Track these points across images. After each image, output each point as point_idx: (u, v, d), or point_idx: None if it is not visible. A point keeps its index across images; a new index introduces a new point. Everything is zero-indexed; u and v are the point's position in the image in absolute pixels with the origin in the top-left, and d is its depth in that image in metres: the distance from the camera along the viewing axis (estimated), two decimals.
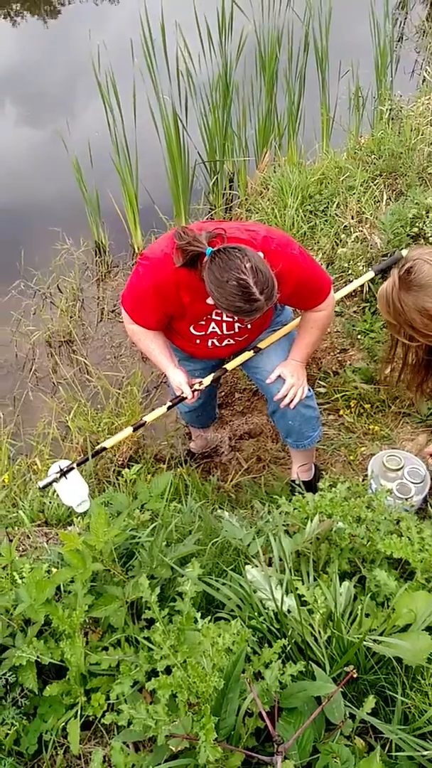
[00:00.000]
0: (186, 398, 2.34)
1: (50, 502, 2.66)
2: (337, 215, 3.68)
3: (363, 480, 2.50)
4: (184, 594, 1.37)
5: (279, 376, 2.40)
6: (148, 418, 2.53)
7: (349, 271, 3.33)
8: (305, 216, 3.79)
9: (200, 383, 2.38)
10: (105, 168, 4.25)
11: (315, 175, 3.97)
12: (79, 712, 1.37)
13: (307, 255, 2.18)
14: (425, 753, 1.11)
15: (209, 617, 1.37)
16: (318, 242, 3.64)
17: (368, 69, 4.76)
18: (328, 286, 2.27)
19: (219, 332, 2.27)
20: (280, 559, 1.55)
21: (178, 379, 2.32)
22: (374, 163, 3.86)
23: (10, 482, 2.86)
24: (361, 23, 4.87)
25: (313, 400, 2.53)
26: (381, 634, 1.33)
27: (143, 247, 4.36)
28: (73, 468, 2.37)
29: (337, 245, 3.56)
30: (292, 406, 2.41)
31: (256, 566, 1.52)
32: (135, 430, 2.54)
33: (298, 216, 3.75)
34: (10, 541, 2.07)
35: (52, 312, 4.01)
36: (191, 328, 2.25)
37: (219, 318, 2.21)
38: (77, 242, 4.27)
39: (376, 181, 3.76)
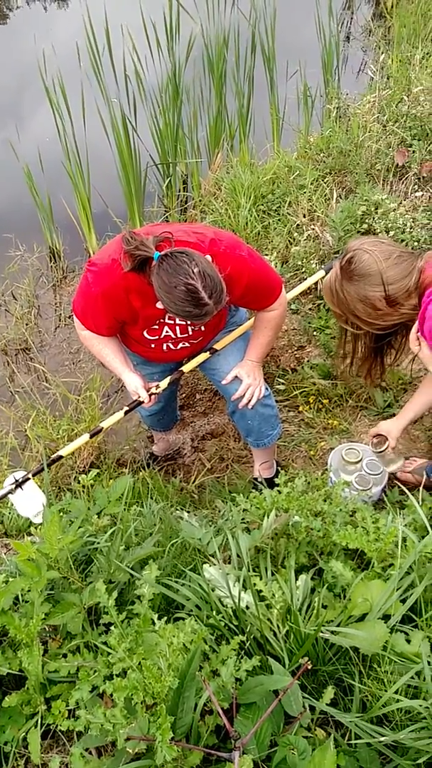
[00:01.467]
0: (143, 402, 2.33)
1: (9, 513, 2.63)
2: (289, 214, 3.70)
3: (323, 474, 2.53)
4: (142, 597, 1.36)
5: (236, 377, 2.41)
6: (105, 423, 2.51)
7: (303, 269, 3.36)
8: (258, 216, 3.81)
9: (157, 387, 2.37)
10: (57, 173, 4.22)
11: (267, 175, 4.00)
12: (39, 721, 1.35)
13: (257, 256, 2.19)
14: (382, 739, 1.12)
15: (168, 618, 1.37)
16: (272, 241, 3.67)
17: (316, 69, 4.81)
18: (278, 286, 2.28)
19: (173, 335, 2.26)
20: (238, 556, 1.55)
21: (134, 383, 2.31)
22: (324, 162, 3.90)
23: None
24: (307, 24, 4.93)
25: (271, 399, 2.54)
26: (338, 625, 1.34)
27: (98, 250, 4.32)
28: (28, 479, 2.34)
29: (291, 244, 3.59)
30: (250, 405, 2.42)
31: (214, 565, 1.52)
32: (92, 436, 2.52)
33: (251, 216, 3.77)
34: None
35: (7, 320, 3.95)
36: (144, 333, 2.24)
37: (172, 322, 2.20)
38: (31, 248, 4.23)
39: (326, 179, 3.80)
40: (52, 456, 2.54)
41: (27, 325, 3.91)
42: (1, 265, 4.10)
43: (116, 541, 1.65)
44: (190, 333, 2.27)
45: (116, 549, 1.62)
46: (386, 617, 1.34)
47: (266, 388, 2.51)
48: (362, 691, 1.25)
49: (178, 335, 2.26)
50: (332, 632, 1.31)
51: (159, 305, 2.00)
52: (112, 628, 1.26)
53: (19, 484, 2.30)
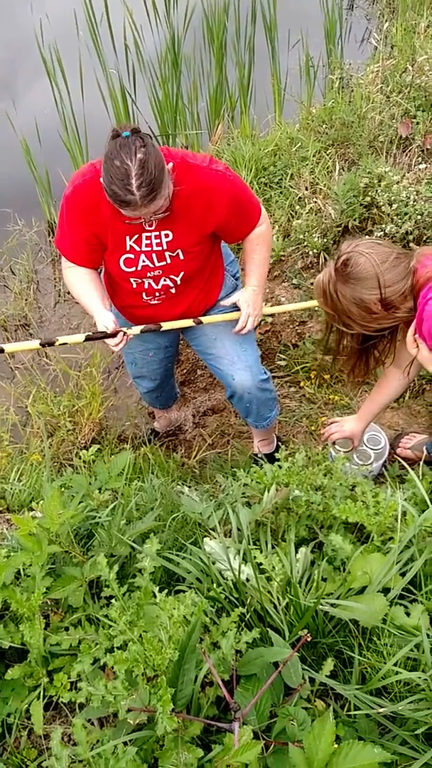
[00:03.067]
0: (110, 337, 2.15)
1: (11, 488, 2.64)
2: (291, 187, 3.66)
3: (323, 449, 2.53)
4: (143, 570, 1.37)
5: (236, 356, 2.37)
6: (62, 339, 2.30)
7: (305, 243, 3.33)
8: (260, 188, 3.76)
9: (124, 333, 2.20)
10: (55, 146, 4.16)
11: (268, 146, 3.94)
12: (42, 693, 1.36)
13: (234, 173, 2.12)
14: (380, 710, 1.13)
15: (168, 591, 1.37)
16: (273, 214, 3.63)
17: (318, 38, 4.71)
18: (257, 202, 2.23)
19: (150, 264, 2.14)
20: (239, 530, 1.56)
21: (103, 321, 2.14)
22: (326, 133, 3.84)
23: None
24: None
25: (269, 383, 2.50)
26: (338, 598, 1.34)
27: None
28: None
29: (293, 217, 3.55)
30: (244, 331, 2.32)
31: (215, 538, 1.52)
32: (43, 345, 2.31)
33: (252, 188, 3.72)
34: None
35: (6, 295, 3.93)
36: (122, 264, 2.13)
37: (149, 249, 2.10)
38: (29, 223, 4.18)
39: (329, 151, 3.74)
40: None
41: (26, 300, 3.89)
42: (0, 240, 4.06)
43: (117, 515, 1.65)
44: (168, 261, 2.14)
45: (117, 523, 1.62)
46: (386, 590, 1.35)
47: (265, 372, 2.47)
48: (362, 664, 1.26)
49: (156, 263, 2.14)
50: (332, 605, 1.32)
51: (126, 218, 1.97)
52: (113, 600, 1.27)
53: None
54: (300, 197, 3.58)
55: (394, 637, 1.24)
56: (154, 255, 2.11)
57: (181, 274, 2.19)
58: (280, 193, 3.72)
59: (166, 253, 2.11)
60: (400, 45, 4.31)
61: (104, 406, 3.25)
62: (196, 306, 2.35)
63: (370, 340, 2.02)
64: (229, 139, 4.28)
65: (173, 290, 2.25)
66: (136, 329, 2.28)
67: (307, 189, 3.60)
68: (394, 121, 3.68)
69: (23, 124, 4.19)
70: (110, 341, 2.17)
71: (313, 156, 3.71)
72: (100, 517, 1.71)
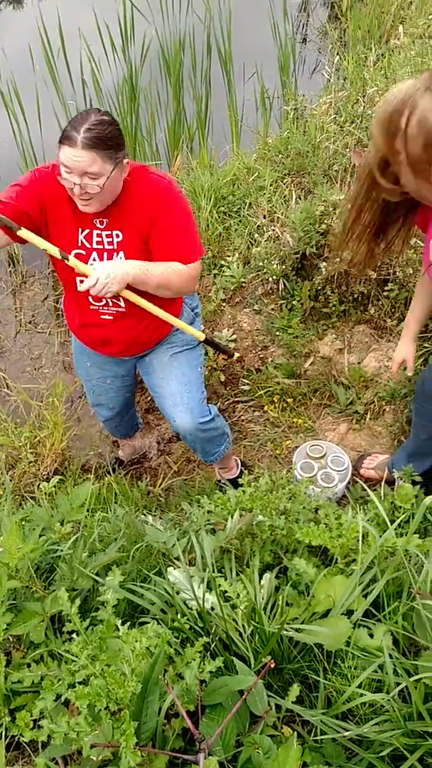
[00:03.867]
0: None
1: None
2: (249, 215, 3.72)
3: (287, 472, 2.55)
4: (106, 603, 1.35)
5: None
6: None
7: (264, 270, 3.37)
8: (219, 217, 3.81)
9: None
10: (13, 178, 4.15)
11: (226, 176, 4.00)
12: (3, 733, 1.32)
13: (187, 204, 2.11)
14: (346, 734, 1.13)
15: (132, 623, 1.36)
16: (233, 243, 3.67)
17: (272, 70, 4.84)
18: (196, 245, 2.14)
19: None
20: (203, 558, 1.55)
21: None
22: (282, 163, 3.92)
23: None
24: (262, 26, 4.96)
25: (213, 422, 2.46)
26: (303, 622, 1.34)
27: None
28: None
29: (252, 245, 3.60)
30: (81, 288, 2.04)
31: (178, 567, 1.51)
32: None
33: (212, 217, 3.77)
34: None
35: None
36: (72, 256, 2.07)
37: (100, 247, 2.09)
38: None
39: (285, 180, 3.82)
40: None
41: None
42: None
43: (79, 548, 1.63)
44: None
45: (79, 556, 1.60)
46: (349, 613, 1.35)
47: (208, 413, 2.44)
48: (327, 687, 1.26)
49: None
50: (296, 630, 1.32)
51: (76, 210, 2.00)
52: (74, 635, 1.24)
53: None
54: (258, 225, 3.64)
55: (358, 659, 1.24)
56: (105, 254, 2.11)
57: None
58: (239, 221, 3.77)
59: (114, 254, 2.10)
60: (352, 77, 4.45)
61: (67, 436, 3.22)
62: (150, 333, 2.33)
63: (387, 220, 1.79)
64: (188, 169, 4.34)
65: (122, 306, 2.21)
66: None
67: (265, 217, 3.66)
68: (347, 150, 3.78)
69: None
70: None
71: (271, 185, 3.78)
72: (61, 550, 1.68)
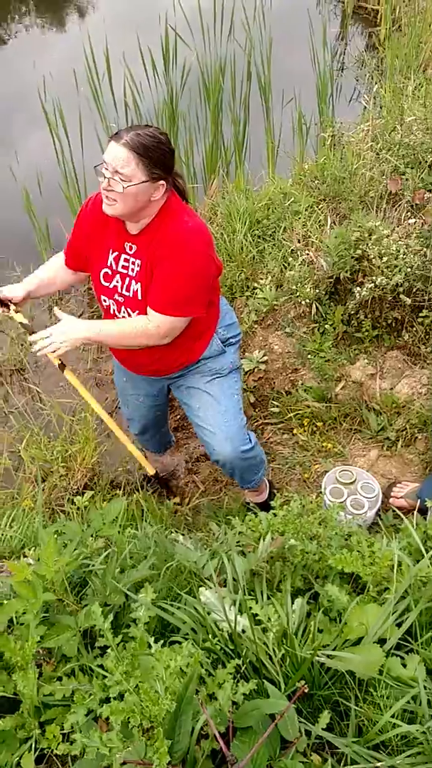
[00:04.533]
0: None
1: (2, 534, 2.62)
2: (284, 239, 3.75)
3: (317, 497, 2.54)
4: (138, 620, 1.36)
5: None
6: None
7: (297, 293, 3.40)
8: (254, 240, 3.86)
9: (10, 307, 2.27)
10: (54, 197, 4.26)
11: (262, 200, 4.05)
12: (33, 746, 1.34)
13: (203, 267, 2.08)
14: (378, 765, 1.12)
15: (164, 641, 1.36)
16: (266, 266, 3.71)
17: (310, 97, 4.91)
18: (181, 307, 2.10)
19: (119, 288, 2.16)
20: (234, 580, 1.55)
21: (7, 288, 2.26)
22: (318, 188, 3.96)
23: None
24: (302, 53, 5.04)
25: (252, 451, 2.47)
26: (334, 649, 1.34)
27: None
28: None
29: (285, 268, 3.63)
30: (35, 348, 2.16)
31: (210, 588, 1.52)
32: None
33: (246, 241, 3.82)
34: None
35: (2, 341, 3.97)
36: (101, 275, 2.18)
37: (124, 271, 2.14)
38: (27, 270, 4.19)
39: (321, 205, 3.85)
40: None
41: (22, 346, 3.92)
42: None
43: (112, 563, 1.65)
44: (131, 294, 2.14)
45: (112, 572, 1.62)
46: (382, 641, 1.35)
47: (248, 440, 2.45)
48: (358, 716, 1.26)
49: (123, 289, 2.16)
50: (328, 656, 1.31)
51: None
52: (108, 650, 1.26)
53: None
54: (293, 249, 3.67)
55: (390, 688, 1.24)
56: (126, 279, 2.15)
57: (135, 314, 2.18)
58: (273, 245, 3.81)
59: (132, 283, 2.14)
60: (389, 105, 4.49)
61: (97, 452, 3.26)
62: (173, 358, 2.34)
63: None
64: (224, 192, 4.40)
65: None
66: (18, 317, 2.29)
67: (299, 241, 3.69)
68: (384, 177, 3.81)
69: (25, 175, 4.30)
70: None
71: (306, 210, 3.82)
72: (93, 565, 1.70)
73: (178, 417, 3.52)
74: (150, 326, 2.11)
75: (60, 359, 2.32)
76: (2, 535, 2.60)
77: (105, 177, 1.94)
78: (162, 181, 1.98)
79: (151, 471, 2.89)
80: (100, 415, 2.50)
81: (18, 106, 5.68)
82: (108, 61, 4.58)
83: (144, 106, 4.65)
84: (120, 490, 3.17)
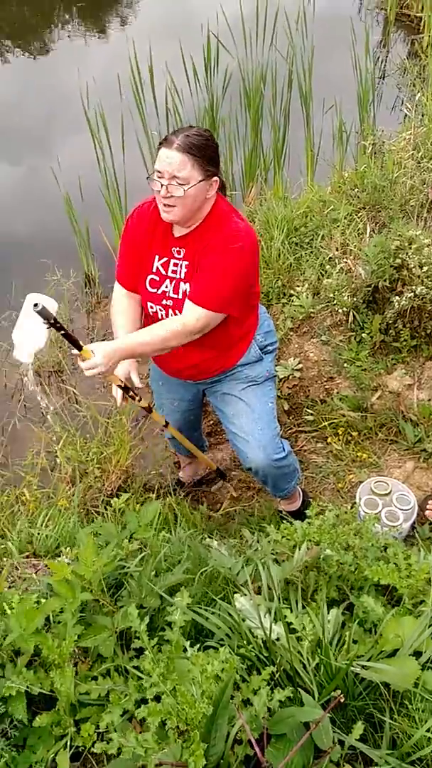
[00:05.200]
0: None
1: (39, 534, 2.67)
2: (321, 247, 3.75)
3: (351, 507, 2.53)
4: (173, 623, 1.38)
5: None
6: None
7: (335, 301, 3.39)
8: (291, 248, 3.86)
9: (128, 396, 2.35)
10: (95, 202, 4.32)
11: (300, 208, 4.06)
12: (68, 743, 1.36)
13: (244, 266, 2.09)
14: None
15: (198, 646, 1.38)
16: (303, 273, 3.71)
17: (351, 105, 4.89)
18: (219, 302, 2.10)
19: (168, 293, 2.18)
20: (269, 588, 1.56)
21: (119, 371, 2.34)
22: (358, 197, 3.95)
23: None
24: (343, 61, 5.03)
25: (286, 459, 2.48)
26: (369, 660, 1.34)
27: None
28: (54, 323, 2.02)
29: (323, 276, 3.62)
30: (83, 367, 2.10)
31: (245, 595, 1.53)
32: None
33: (284, 248, 3.82)
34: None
35: None
36: (147, 282, 2.20)
37: (174, 275, 2.16)
38: (67, 274, 4.31)
39: (360, 213, 3.84)
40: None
41: (60, 348, 3.98)
42: (39, 289, 4.11)
43: (148, 566, 1.67)
44: (180, 296, 2.16)
45: (147, 574, 1.64)
46: (417, 654, 1.34)
47: (281, 449, 2.44)
48: (393, 728, 1.25)
49: (171, 293, 2.17)
50: (363, 667, 1.31)
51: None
52: (146, 652, 1.28)
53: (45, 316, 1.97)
54: (330, 257, 3.67)
55: (426, 702, 1.23)
56: (174, 282, 2.17)
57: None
58: (311, 252, 3.81)
59: (180, 285, 2.16)
60: (431, 114, 4.46)
61: (132, 454, 3.29)
62: (211, 363, 2.35)
63: None
64: (262, 200, 4.42)
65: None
66: (118, 398, 2.33)
67: (337, 250, 3.69)
68: (425, 186, 3.79)
69: (66, 180, 4.37)
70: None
71: (345, 218, 3.81)
72: (128, 567, 1.72)
73: (211, 422, 3.54)
74: (187, 321, 2.09)
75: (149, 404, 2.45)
76: (39, 534, 2.65)
77: (161, 185, 1.97)
78: (215, 177, 2.02)
79: (212, 466, 3.00)
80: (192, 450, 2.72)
81: (61, 111, 5.77)
82: (151, 68, 4.63)
83: (185, 112, 4.68)
84: (153, 493, 3.20)
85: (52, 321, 1.95)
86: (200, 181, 1.97)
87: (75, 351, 2.05)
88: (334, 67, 5.34)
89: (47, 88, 6.50)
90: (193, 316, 2.09)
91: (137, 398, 2.38)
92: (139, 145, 4.39)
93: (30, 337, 2.01)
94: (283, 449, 2.47)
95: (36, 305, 1.91)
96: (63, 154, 4.72)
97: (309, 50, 4.74)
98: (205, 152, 1.97)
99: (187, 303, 2.11)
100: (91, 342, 4.04)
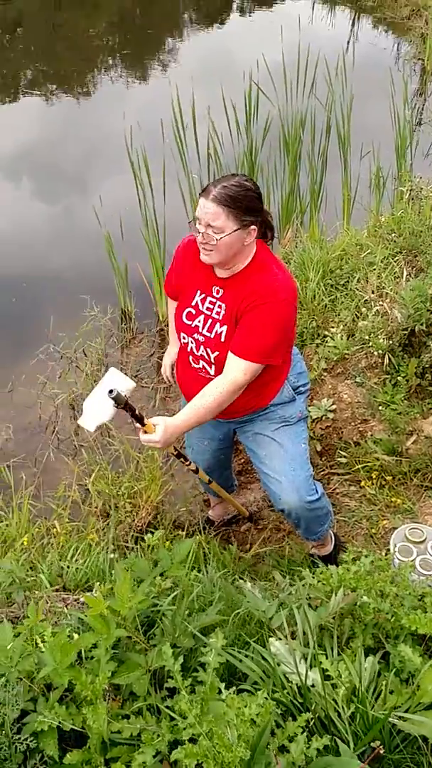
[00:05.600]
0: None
1: (68, 567, 2.67)
2: (357, 290, 3.78)
3: (386, 554, 2.49)
4: (207, 664, 1.37)
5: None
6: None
7: (370, 344, 3.40)
8: (326, 289, 3.89)
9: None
10: (135, 241, 4.42)
11: (336, 251, 4.10)
12: None
13: (285, 318, 2.14)
14: None
15: (232, 689, 1.36)
16: (339, 314, 3.73)
17: (388, 151, 4.97)
18: (263, 353, 2.14)
19: (200, 328, 2.23)
20: (304, 633, 1.54)
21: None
22: (394, 241, 3.99)
23: (30, 545, 2.87)
24: (381, 108, 5.13)
25: (319, 501, 2.46)
26: (405, 712, 1.31)
27: (167, 315, 4.50)
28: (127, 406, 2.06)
29: (358, 318, 3.64)
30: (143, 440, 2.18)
31: (280, 639, 1.51)
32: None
33: (319, 289, 3.86)
34: (27, 603, 2.07)
35: (77, 375, 4.10)
36: (185, 314, 2.27)
37: (209, 312, 2.21)
38: (104, 310, 4.41)
39: (396, 258, 3.87)
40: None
41: (95, 382, 4.02)
42: (76, 324, 4.28)
43: (182, 605, 1.66)
44: (212, 335, 2.21)
45: (181, 613, 1.63)
46: None
47: (314, 491, 2.43)
48: None
49: (203, 329, 2.22)
50: (400, 718, 1.29)
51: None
52: (181, 693, 1.27)
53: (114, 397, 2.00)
54: (366, 300, 3.69)
55: None
56: (209, 321, 2.22)
57: (216, 354, 2.23)
58: (346, 294, 3.83)
59: (216, 326, 2.21)
60: None
61: (163, 491, 3.29)
62: (243, 402, 2.34)
63: None
64: (298, 242, 4.48)
65: (212, 371, 2.28)
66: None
67: (373, 293, 3.70)
68: None
69: (108, 219, 4.49)
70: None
71: (381, 261, 3.84)
72: (161, 605, 1.72)
73: (242, 461, 3.54)
74: (236, 377, 2.14)
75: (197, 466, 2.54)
76: (68, 567, 2.65)
77: (199, 231, 2.05)
78: (253, 226, 2.06)
79: (244, 513, 3.05)
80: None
81: (105, 153, 5.97)
82: (194, 113, 4.77)
83: (225, 157, 4.80)
84: (182, 530, 3.19)
85: (123, 405, 2.04)
86: (236, 230, 2.02)
87: (138, 425, 2.12)
88: (371, 114, 5.45)
89: (92, 129, 6.73)
90: (240, 370, 2.13)
91: (187, 462, 2.49)
92: (179, 186, 4.50)
93: (100, 410, 2.09)
94: (317, 491, 2.45)
95: (111, 392, 2.00)
96: (105, 193, 4.85)
97: (348, 98, 4.85)
98: (241, 203, 2.01)
99: (232, 357, 2.15)
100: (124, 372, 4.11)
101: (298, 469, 2.39)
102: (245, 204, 2.02)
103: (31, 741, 1.37)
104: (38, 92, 7.89)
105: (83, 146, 6.44)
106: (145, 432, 2.11)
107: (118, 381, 2.09)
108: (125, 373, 4.11)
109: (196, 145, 4.69)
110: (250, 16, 11.87)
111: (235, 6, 12.82)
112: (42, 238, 5.32)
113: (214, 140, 4.71)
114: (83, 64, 8.50)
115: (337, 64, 5.22)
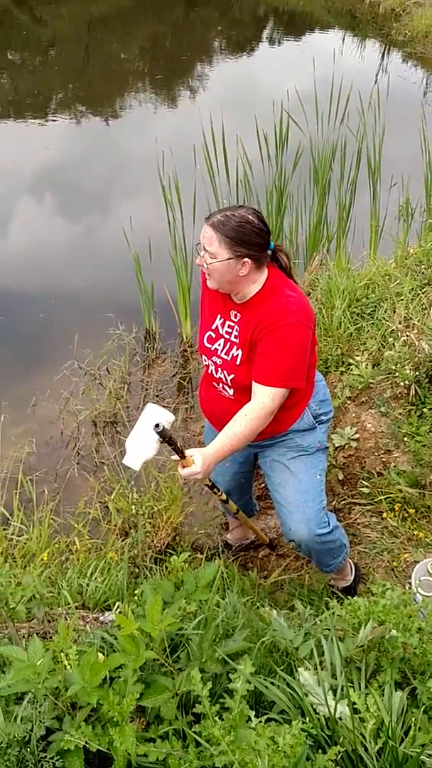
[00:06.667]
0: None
1: (88, 585, 2.67)
2: (384, 319, 3.79)
3: (408, 588, 2.47)
4: (235, 691, 1.36)
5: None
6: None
7: (396, 374, 3.40)
8: (352, 318, 3.91)
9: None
10: (163, 263, 4.48)
11: (362, 280, 4.12)
12: None
13: (299, 339, 2.15)
14: None
15: (260, 718, 1.35)
16: (364, 343, 3.74)
17: (418, 183, 5.01)
18: (283, 377, 2.16)
19: (219, 351, 2.28)
20: (332, 664, 1.53)
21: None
22: (423, 273, 4.00)
23: (49, 560, 2.87)
24: (411, 140, 5.18)
25: (331, 534, 2.43)
26: None
27: (191, 336, 4.55)
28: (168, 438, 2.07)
29: (383, 347, 3.64)
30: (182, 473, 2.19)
31: (308, 669, 1.50)
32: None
33: (345, 317, 3.87)
34: (49, 620, 2.07)
35: (100, 393, 4.13)
36: (205, 338, 2.32)
37: (227, 336, 2.25)
38: (129, 329, 4.45)
39: (425, 289, 3.88)
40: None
41: (118, 399, 4.07)
42: (101, 342, 4.32)
43: (209, 630, 1.66)
44: (229, 358, 2.24)
45: (209, 638, 1.63)
46: None
47: (326, 524, 2.40)
48: None
49: (222, 352, 2.26)
50: (430, 756, 1.27)
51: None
52: (208, 719, 1.26)
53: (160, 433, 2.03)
54: (393, 330, 3.69)
55: None
56: (228, 344, 2.26)
57: (231, 377, 2.27)
58: (372, 323, 3.84)
59: (233, 349, 2.25)
60: None
61: (183, 512, 3.29)
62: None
63: None
64: (325, 269, 4.51)
65: (231, 392, 2.32)
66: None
67: (400, 323, 3.71)
68: None
69: (137, 241, 4.55)
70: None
71: (409, 292, 3.86)
72: (186, 629, 1.71)
73: (262, 485, 3.53)
74: (264, 403, 2.15)
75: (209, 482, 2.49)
76: (88, 585, 2.65)
77: (199, 254, 2.12)
78: (246, 258, 2.07)
79: (265, 539, 3.05)
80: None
81: (138, 178, 6.06)
82: (224, 139, 4.85)
83: (255, 184, 4.86)
84: (201, 553, 3.18)
85: (168, 439, 2.06)
86: (227, 259, 2.05)
87: (175, 457, 2.14)
88: (401, 147, 5.50)
89: (123, 153, 6.84)
90: (267, 397, 2.16)
91: (218, 492, 2.50)
92: (209, 211, 4.53)
93: (143, 447, 2.10)
94: (329, 524, 2.42)
95: (157, 425, 2.02)
96: (135, 216, 4.92)
97: (380, 129, 4.90)
98: (236, 234, 2.03)
99: (256, 386, 2.18)
100: (145, 394, 4.13)
101: (309, 501, 2.37)
102: (240, 236, 2.04)
103: (57, 760, 1.36)
104: (69, 114, 8.05)
105: (114, 170, 6.56)
106: (184, 466, 2.12)
107: (160, 415, 2.10)
108: (146, 392, 4.15)
109: (226, 170, 4.75)
110: (279, 45, 12.10)
111: (264, 35, 13.06)
112: (71, 257, 5.41)
113: (245, 166, 4.77)
114: (114, 87, 8.68)
115: (371, 95, 5.28)
